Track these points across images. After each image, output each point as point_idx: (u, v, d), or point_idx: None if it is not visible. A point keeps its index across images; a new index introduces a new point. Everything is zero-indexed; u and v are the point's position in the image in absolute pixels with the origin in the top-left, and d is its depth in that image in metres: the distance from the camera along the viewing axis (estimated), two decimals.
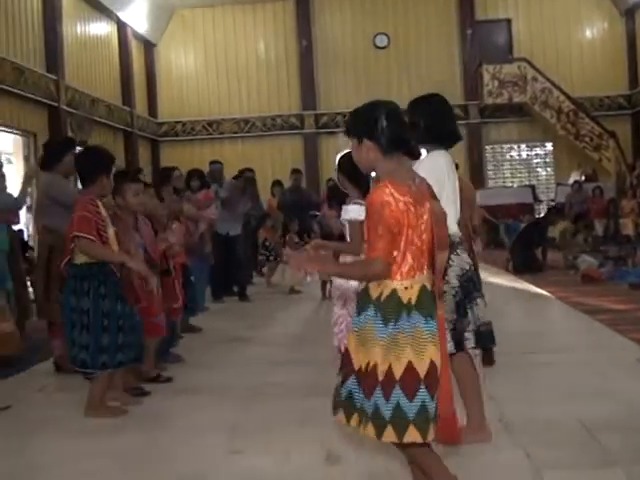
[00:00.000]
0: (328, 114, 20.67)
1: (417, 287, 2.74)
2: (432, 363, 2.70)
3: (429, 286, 2.78)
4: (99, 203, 4.60)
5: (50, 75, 14.71)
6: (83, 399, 4.76)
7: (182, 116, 21.04)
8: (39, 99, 14.30)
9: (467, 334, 3.72)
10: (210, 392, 5.18)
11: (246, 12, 21.07)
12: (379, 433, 2.70)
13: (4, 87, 12.92)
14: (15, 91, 13.32)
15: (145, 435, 4.29)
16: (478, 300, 3.80)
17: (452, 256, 3.63)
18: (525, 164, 21.52)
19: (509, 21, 20.89)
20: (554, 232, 13.13)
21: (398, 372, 2.68)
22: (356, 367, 2.77)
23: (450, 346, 3.45)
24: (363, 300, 2.83)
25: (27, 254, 10.67)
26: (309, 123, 20.69)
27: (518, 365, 5.46)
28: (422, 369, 2.69)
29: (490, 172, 21.28)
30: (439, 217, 2.81)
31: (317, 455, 3.80)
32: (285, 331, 7.75)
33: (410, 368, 2.68)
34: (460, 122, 19.83)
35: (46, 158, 6.16)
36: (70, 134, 15.26)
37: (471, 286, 3.78)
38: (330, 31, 20.89)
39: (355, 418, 2.77)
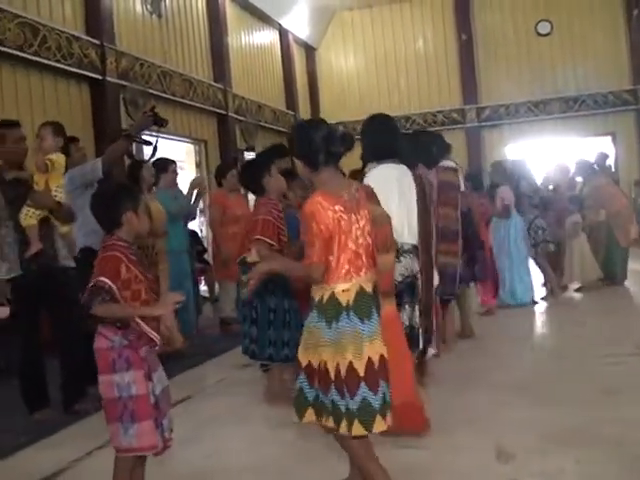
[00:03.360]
0: (491, 107, 20.29)
1: (354, 289, 2.91)
2: (369, 360, 2.89)
3: (368, 287, 2.94)
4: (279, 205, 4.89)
5: (218, 85, 15.38)
6: (260, 390, 5.01)
7: (344, 117, 21.30)
8: (208, 108, 14.98)
9: None
10: None
11: (404, 10, 21.08)
12: (337, 426, 2.93)
13: (176, 99, 13.65)
14: (186, 102, 14.03)
15: None
16: (407, 306, 4.08)
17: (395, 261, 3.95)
18: None
19: None
20: None
21: (343, 371, 2.89)
22: (304, 364, 3.02)
23: None
24: (310, 303, 3.06)
25: (204, 255, 11.30)
26: (471, 117, 20.42)
27: None
28: (361, 368, 2.87)
29: None
30: (378, 220, 3.00)
31: (487, 452, 3.80)
32: None
33: (351, 369, 2.87)
34: (629, 107, 18.97)
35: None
36: (240, 141, 15.92)
37: (406, 292, 4.07)
38: (490, 22, 20.49)
39: (312, 412, 3.04)
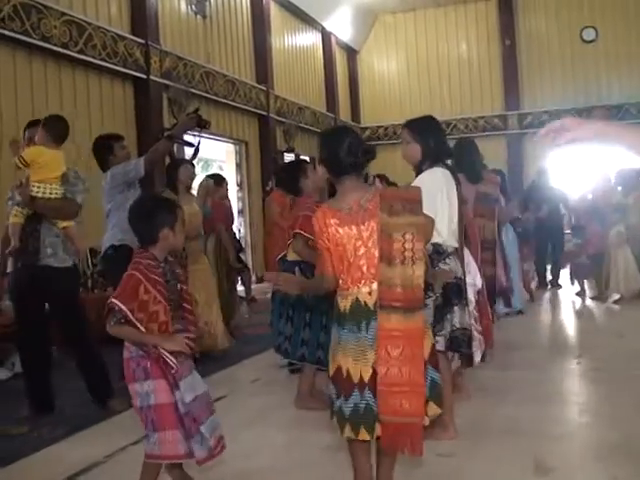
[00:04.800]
0: (533, 113, 20.09)
1: (350, 299, 2.99)
2: (346, 370, 2.96)
3: (365, 299, 2.96)
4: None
5: (260, 86, 15.45)
6: (293, 391, 5.01)
7: (384, 120, 21.29)
8: (250, 109, 15.06)
9: (437, 337, 3.90)
10: None
11: (447, 13, 20.97)
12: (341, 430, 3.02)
13: (218, 99, 13.74)
14: (228, 102, 14.12)
15: None
16: (456, 308, 4.06)
17: (440, 264, 4.02)
18: None
19: None
20: None
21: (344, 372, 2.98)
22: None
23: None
24: None
25: (240, 254, 11.29)
26: (512, 123, 20.24)
27: None
28: (356, 375, 2.94)
29: None
30: (385, 230, 2.93)
31: (526, 465, 3.74)
32: None
33: (345, 372, 2.97)
34: None
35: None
36: (280, 142, 15.97)
37: (453, 294, 4.05)
38: (534, 27, 20.30)
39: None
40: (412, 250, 2.91)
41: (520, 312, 8.69)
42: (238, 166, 15.29)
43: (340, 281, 3.04)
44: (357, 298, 2.98)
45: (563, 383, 5.60)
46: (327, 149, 3.17)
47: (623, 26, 19.39)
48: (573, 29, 19.82)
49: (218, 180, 9.09)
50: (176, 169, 6.76)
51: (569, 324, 8.63)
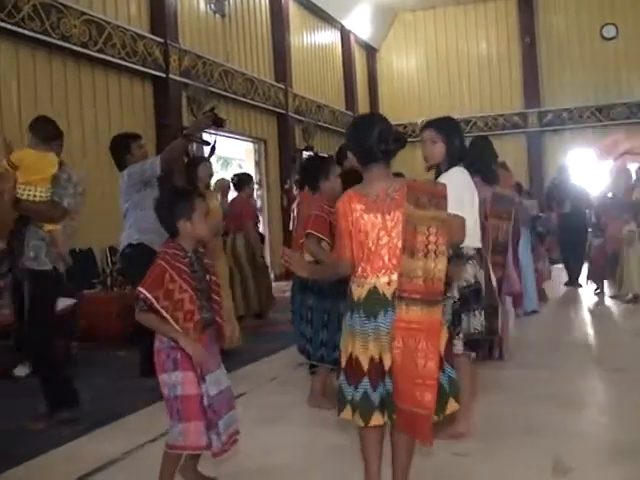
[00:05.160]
0: (553, 111, 19.99)
1: (367, 287, 2.95)
2: (372, 359, 2.93)
3: (384, 289, 2.92)
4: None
5: (278, 84, 15.47)
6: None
7: (403, 118, 21.19)
8: (269, 107, 15.08)
9: (455, 340, 3.91)
10: None
11: (467, 12, 20.90)
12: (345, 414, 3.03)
13: (237, 97, 13.77)
14: (247, 101, 14.15)
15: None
16: (476, 312, 4.07)
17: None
18: None
19: None
20: None
21: (354, 360, 2.98)
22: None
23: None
24: None
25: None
26: (532, 121, 20.13)
27: None
28: (365, 362, 2.93)
29: None
30: (410, 221, 2.89)
31: (544, 465, 3.71)
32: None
33: (356, 359, 2.97)
34: None
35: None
36: (299, 140, 15.99)
37: (472, 298, 4.05)
38: (554, 25, 20.18)
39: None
40: (435, 244, 2.88)
41: (534, 312, 8.65)
42: (257, 164, 15.33)
43: (359, 269, 2.99)
44: (375, 287, 2.94)
45: (580, 382, 5.56)
46: (357, 135, 3.11)
47: None
48: (593, 26, 19.69)
49: (246, 179, 9.26)
50: (195, 167, 6.78)
51: (585, 323, 8.56)
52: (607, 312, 9.26)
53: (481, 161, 5.41)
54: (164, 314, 3.11)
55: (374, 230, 2.96)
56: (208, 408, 3.18)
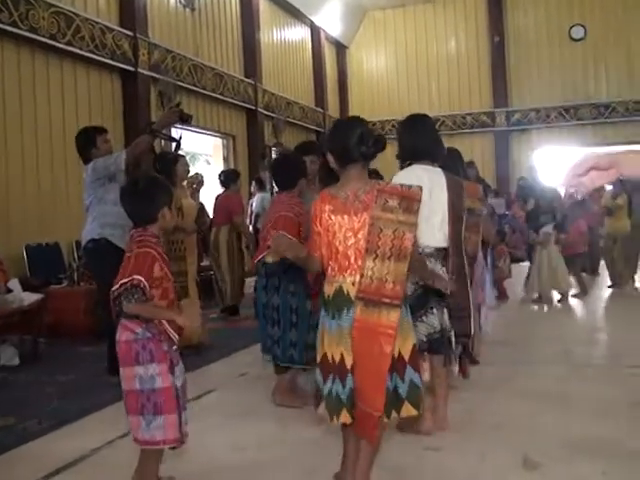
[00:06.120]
0: (521, 111, 20.17)
1: (335, 286, 3.02)
2: (325, 355, 3.03)
3: (349, 289, 2.98)
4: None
5: (248, 80, 15.41)
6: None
7: (372, 116, 21.23)
8: (238, 103, 15.02)
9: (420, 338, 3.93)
10: None
11: (436, 10, 21.00)
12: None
13: (206, 92, 13.70)
14: (216, 96, 14.08)
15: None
16: (434, 310, 4.07)
17: None
18: None
19: None
20: None
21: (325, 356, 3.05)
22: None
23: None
24: None
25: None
26: (500, 120, 20.29)
27: None
28: (335, 359, 2.98)
29: None
30: (375, 224, 2.95)
31: (514, 459, 3.75)
32: None
33: (326, 356, 3.03)
34: None
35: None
36: (268, 136, 15.95)
37: (432, 296, 4.00)
38: (523, 25, 20.36)
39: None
40: (400, 248, 2.93)
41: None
42: (225, 160, 15.26)
43: (328, 268, 3.07)
44: (341, 286, 3.01)
45: (550, 378, 5.61)
46: (338, 137, 3.15)
47: (612, 25, 19.46)
48: (562, 27, 19.89)
49: (233, 175, 9.55)
50: (173, 163, 6.75)
51: (559, 317, 8.67)
52: (568, 310, 9.36)
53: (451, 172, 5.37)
54: (157, 302, 3.11)
55: (341, 231, 3.02)
56: (178, 400, 3.16)
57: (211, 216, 9.48)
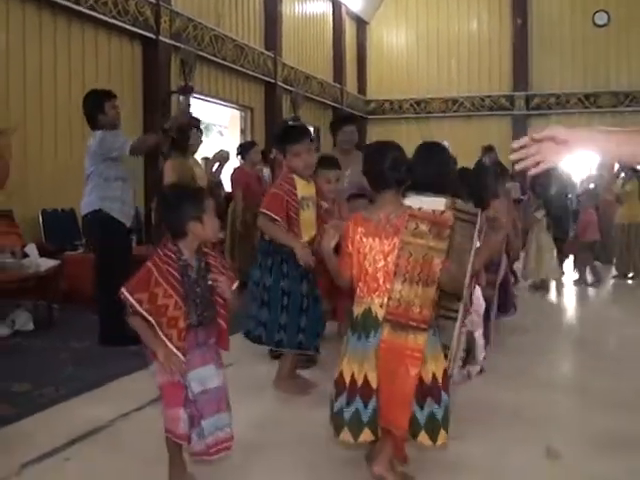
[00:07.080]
0: (540, 95, 19.99)
1: (363, 307, 3.08)
2: (352, 376, 3.04)
3: (377, 310, 3.04)
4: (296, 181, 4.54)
5: (268, 53, 15.29)
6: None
7: (390, 94, 21.16)
8: (257, 75, 14.91)
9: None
10: None
11: None
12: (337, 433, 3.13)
13: (226, 63, 13.59)
14: (236, 67, 13.97)
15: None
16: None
17: None
18: None
19: None
20: None
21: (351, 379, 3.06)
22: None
23: None
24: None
25: None
26: (519, 104, 20.11)
27: None
28: (360, 380, 3.02)
29: None
30: (405, 248, 3.01)
31: (536, 451, 3.72)
32: None
33: (350, 377, 3.05)
34: None
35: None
36: (286, 110, 15.85)
37: None
38: (547, 8, 20.10)
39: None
40: (428, 273, 3.01)
41: None
42: (242, 132, 15.19)
43: (357, 288, 3.13)
44: (370, 308, 3.07)
45: (571, 369, 5.58)
46: (372, 162, 3.24)
47: (636, 12, 19.21)
48: (586, 12, 19.65)
49: (248, 145, 9.61)
50: (187, 133, 6.72)
51: (566, 308, 8.62)
52: (587, 297, 9.30)
53: (471, 188, 5.17)
54: (147, 317, 2.95)
55: (371, 253, 3.09)
56: (192, 403, 3.05)
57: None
